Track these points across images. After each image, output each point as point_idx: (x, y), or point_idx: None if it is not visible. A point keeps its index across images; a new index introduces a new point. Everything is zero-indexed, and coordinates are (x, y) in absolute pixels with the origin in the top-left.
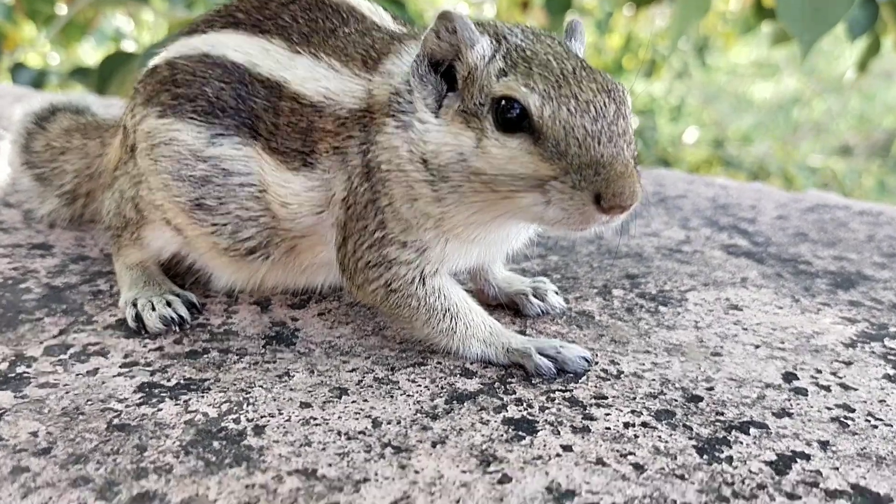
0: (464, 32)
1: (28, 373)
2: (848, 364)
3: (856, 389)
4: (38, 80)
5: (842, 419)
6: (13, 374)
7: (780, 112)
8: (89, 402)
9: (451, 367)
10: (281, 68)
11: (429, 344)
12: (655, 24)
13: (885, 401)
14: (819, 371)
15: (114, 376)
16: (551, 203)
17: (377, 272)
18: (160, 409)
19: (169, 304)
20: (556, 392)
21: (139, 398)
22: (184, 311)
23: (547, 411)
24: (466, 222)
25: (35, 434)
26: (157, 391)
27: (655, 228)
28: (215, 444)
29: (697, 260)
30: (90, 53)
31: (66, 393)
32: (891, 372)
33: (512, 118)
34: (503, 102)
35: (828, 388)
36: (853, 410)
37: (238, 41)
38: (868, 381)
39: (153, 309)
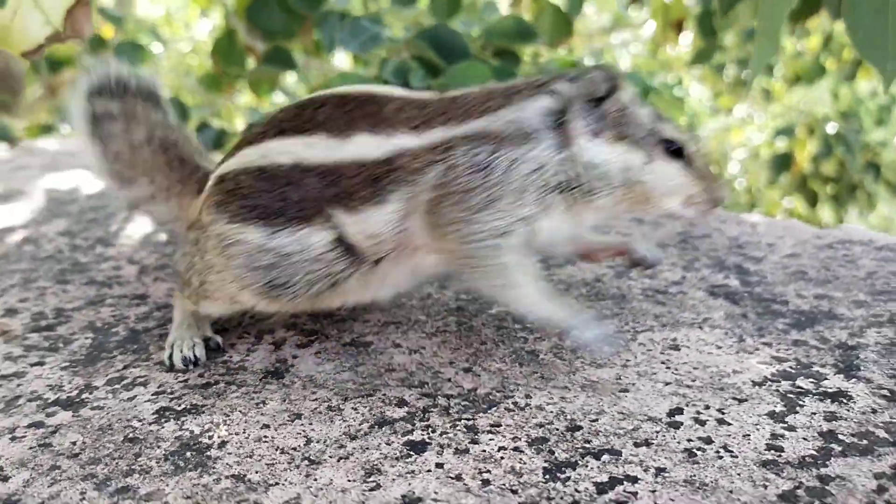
0: (619, 80)
1: (88, 398)
2: (741, 401)
3: (730, 424)
4: (219, 139)
5: (694, 450)
6: (78, 399)
7: None
8: (118, 421)
9: (391, 398)
10: (331, 153)
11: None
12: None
13: (749, 435)
14: (707, 407)
15: (144, 402)
16: (689, 207)
17: (472, 229)
18: (163, 427)
19: (193, 346)
20: (463, 420)
21: (153, 418)
22: (200, 353)
23: (444, 436)
24: (605, 213)
25: (74, 443)
26: (167, 413)
27: (657, 269)
28: (188, 453)
29: (674, 301)
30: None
31: (107, 414)
32: (778, 409)
33: (674, 150)
34: (666, 141)
35: (703, 423)
36: (711, 443)
37: (285, 146)
38: (749, 417)
39: (180, 351)
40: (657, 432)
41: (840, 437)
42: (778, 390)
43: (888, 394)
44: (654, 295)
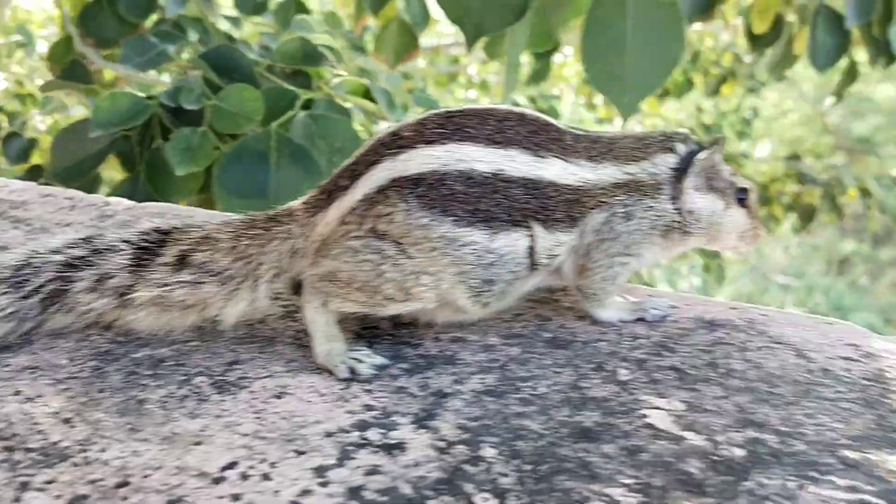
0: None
1: None
2: (300, 454)
3: (270, 480)
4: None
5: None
6: None
7: None
8: None
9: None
10: (531, 169)
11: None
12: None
13: (280, 491)
14: (264, 461)
15: None
16: (742, 241)
17: (608, 273)
18: None
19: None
20: (21, 476)
21: None
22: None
23: None
24: (686, 247)
25: None
26: None
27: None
28: None
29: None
30: None
31: None
32: (328, 463)
33: (742, 199)
34: (740, 190)
35: (247, 478)
36: (239, 499)
37: (479, 153)
38: (294, 471)
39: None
40: (197, 489)
41: (365, 493)
42: (342, 442)
43: (443, 445)
44: (303, 338)
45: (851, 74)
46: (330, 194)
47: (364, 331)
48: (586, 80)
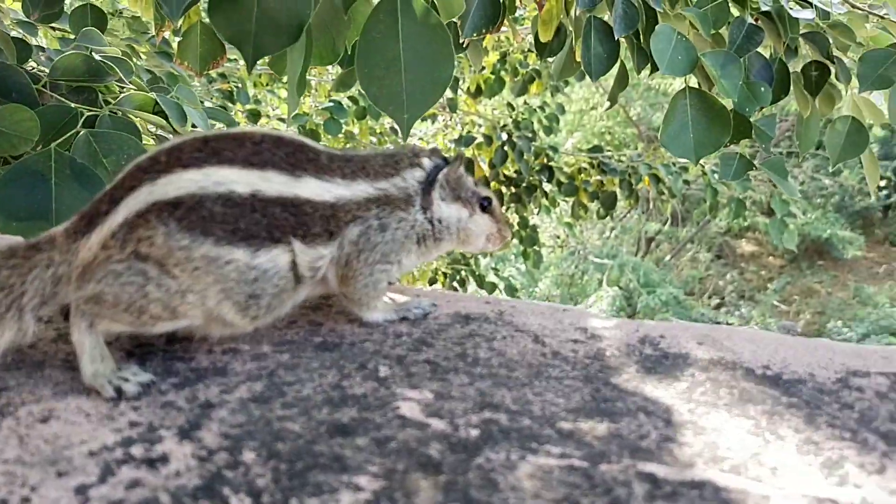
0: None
1: None
2: (62, 475)
3: (31, 501)
4: None
5: None
6: None
7: None
8: None
9: None
10: (288, 189)
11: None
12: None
13: (28, 498)
14: (24, 484)
15: None
16: (490, 243)
17: (370, 279)
18: None
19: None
20: None
21: None
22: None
23: None
24: (439, 252)
25: None
26: None
27: None
28: None
29: None
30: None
31: None
32: (89, 481)
33: (484, 206)
34: (483, 199)
35: (4, 502)
36: None
37: (237, 175)
38: (55, 491)
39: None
40: None
41: None
42: (106, 459)
43: (205, 454)
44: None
45: (623, 81)
46: (91, 220)
47: (137, 349)
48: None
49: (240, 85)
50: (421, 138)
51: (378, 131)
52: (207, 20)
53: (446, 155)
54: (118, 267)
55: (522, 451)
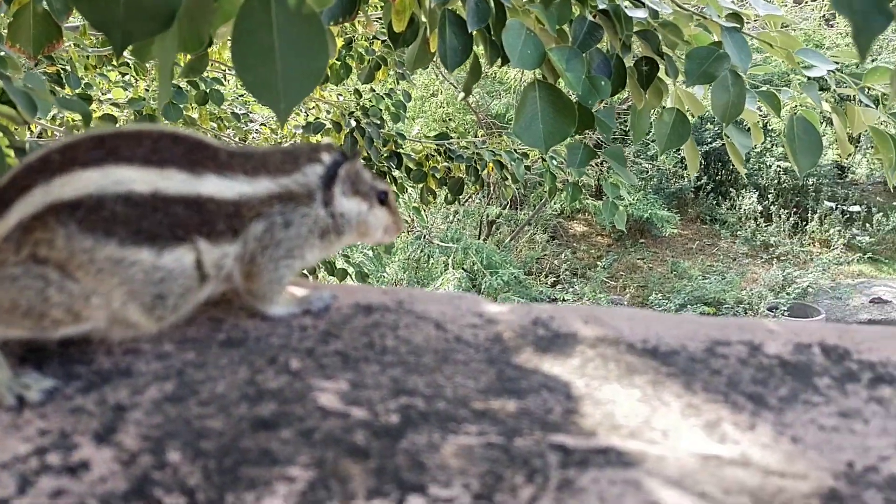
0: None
1: None
2: None
3: None
4: None
5: None
6: None
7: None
8: None
9: None
10: (189, 187)
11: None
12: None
13: None
14: None
15: None
16: (386, 235)
17: (274, 275)
18: None
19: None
20: None
21: None
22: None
23: None
24: (341, 245)
25: None
26: None
27: None
28: None
29: None
30: None
31: None
32: (10, 491)
33: (382, 199)
34: (380, 192)
35: None
36: None
37: (137, 174)
38: None
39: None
40: None
41: None
42: (21, 470)
43: (127, 457)
44: None
45: (476, 72)
46: None
47: (30, 353)
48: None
49: (69, 68)
50: (263, 124)
51: (219, 115)
52: (43, 1)
53: (344, 150)
54: (14, 271)
55: (443, 432)
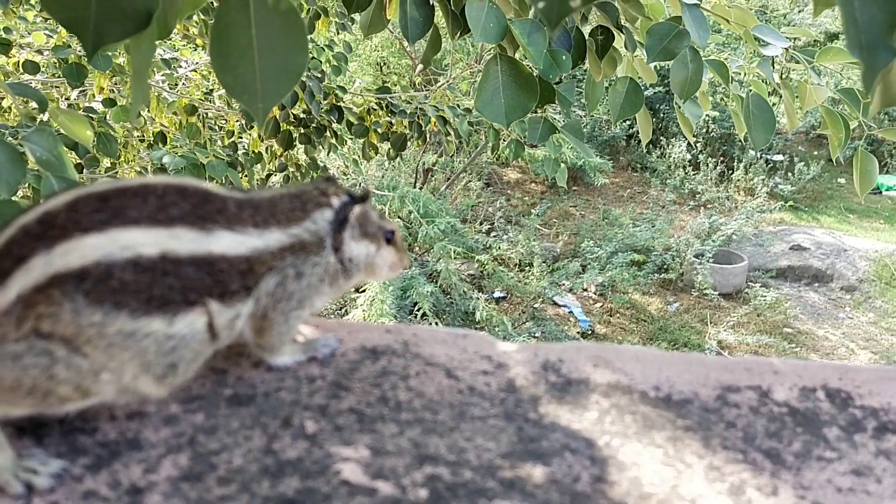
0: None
1: None
2: None
3: None
4: None
5: None
6: None
7: None
8: None
9: None
10: (200, 246)
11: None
12: None
13: None
14: None
15: None
16: (393, 271)
17: (285, 327)
18: None
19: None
20: None
21: None
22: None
23: None
24: (349, 287)
25: None
26: None
27: None
28: None
29: None
30: None
31: None
32: None
33: (389, 239)
34: (387, 232)
35: None
36: None
37: (143, 236)
38: None
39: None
40: None
41: None
42: None
43: None
44: None
45: (436, 44)
46: None
47: (28, 423)
48: (221, 87)
49: None
50: (194, 70)
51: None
52: None
53: (352, 191)
54: (17, 348)
55: None
